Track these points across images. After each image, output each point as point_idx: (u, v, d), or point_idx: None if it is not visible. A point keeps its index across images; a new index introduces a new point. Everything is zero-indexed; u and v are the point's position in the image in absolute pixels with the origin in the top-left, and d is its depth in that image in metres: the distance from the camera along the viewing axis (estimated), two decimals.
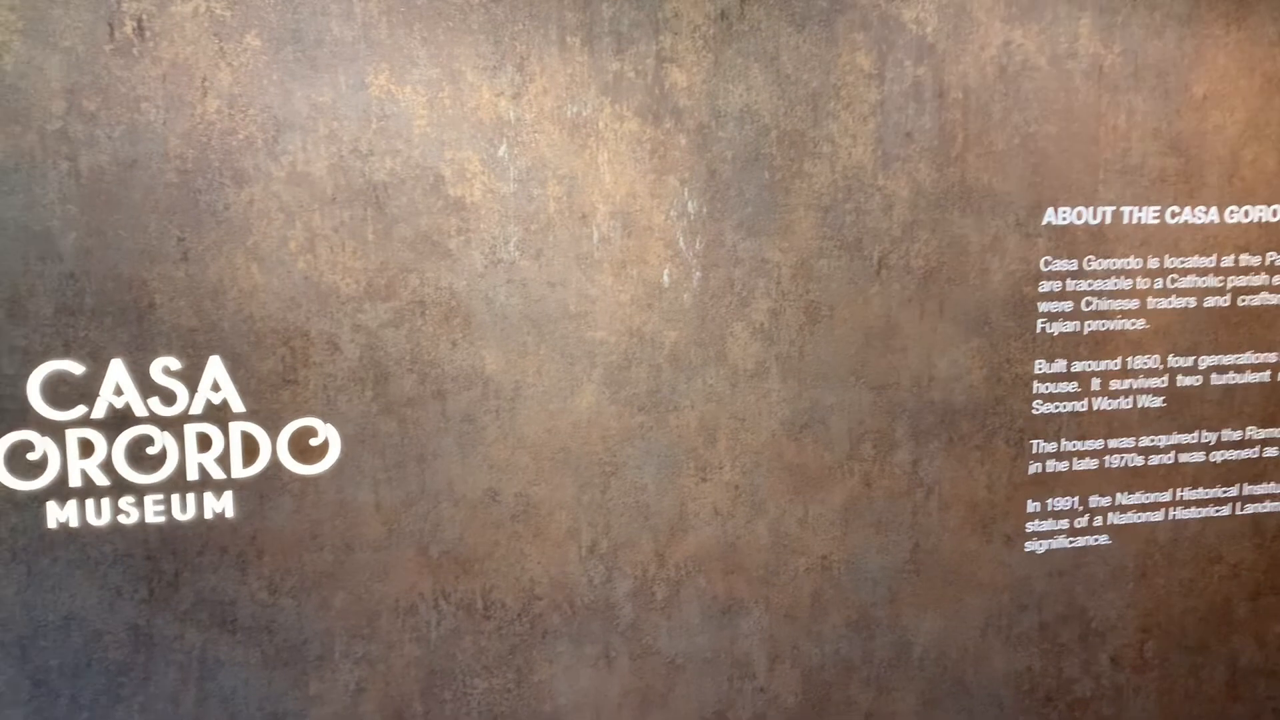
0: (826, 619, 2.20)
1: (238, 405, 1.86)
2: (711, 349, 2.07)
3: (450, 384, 1.94)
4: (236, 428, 1.87)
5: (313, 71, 1.81)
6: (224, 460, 1.87)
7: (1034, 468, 2.25)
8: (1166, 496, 2.35)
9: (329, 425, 1.90)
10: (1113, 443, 2.29)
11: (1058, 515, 2.28)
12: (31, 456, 1.78)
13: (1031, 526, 2.27)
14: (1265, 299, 2.32)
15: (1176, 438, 2.33)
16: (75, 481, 1.80)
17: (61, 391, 1.78)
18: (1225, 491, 2.38)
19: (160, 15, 1.74)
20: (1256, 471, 2.39)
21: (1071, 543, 2.30)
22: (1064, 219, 2.18)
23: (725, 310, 2.07)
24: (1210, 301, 2.29)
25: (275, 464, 1.89)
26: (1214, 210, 2.26)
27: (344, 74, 1.82)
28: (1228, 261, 2.29)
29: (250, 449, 1.88)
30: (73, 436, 1.79)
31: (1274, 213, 2.29)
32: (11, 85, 1.69)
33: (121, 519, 1.84)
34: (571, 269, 1.98)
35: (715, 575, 2.14)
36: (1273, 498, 2.41)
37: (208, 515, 1.88)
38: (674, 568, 2.11)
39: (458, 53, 1.87)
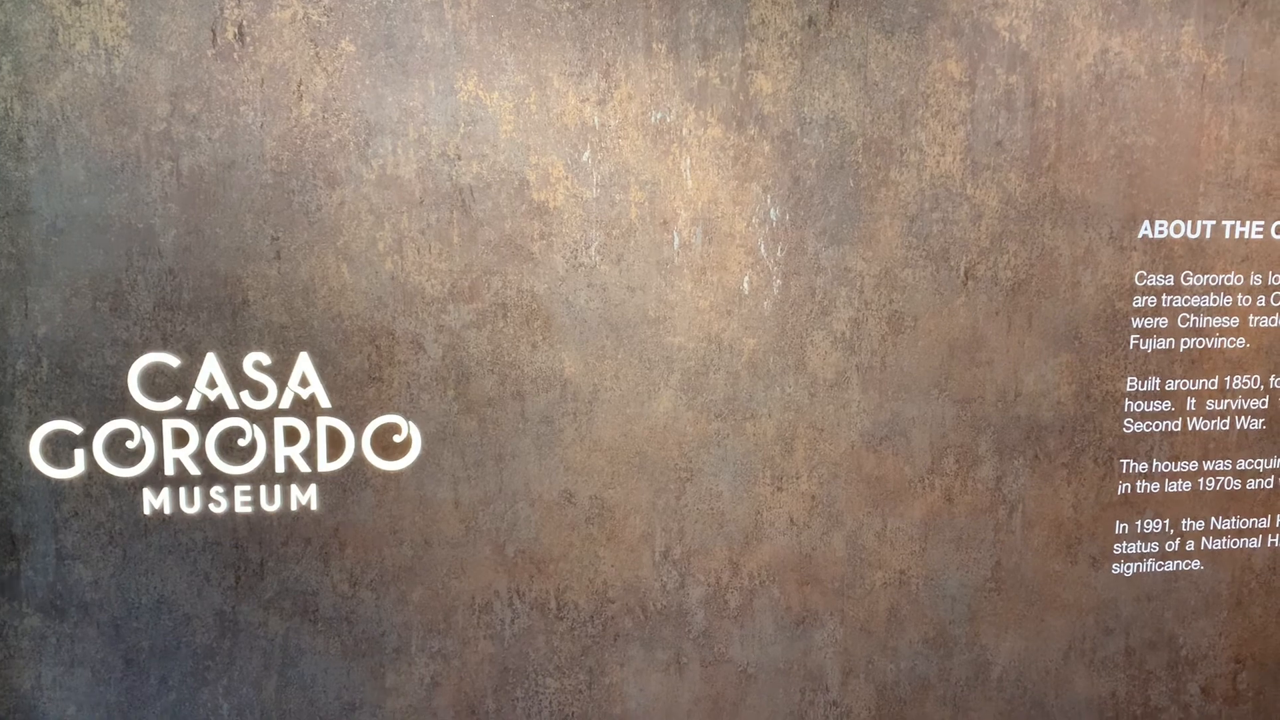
0: (903, 635, 2.17)
1: (324, 401, 1.91)
2: (791, 357, 2.06)
3: (529, 385, 1.96)
4: (323, 423, 1.92)
5: (404, 76, 1.85)
6: (310, 454, 1.93)
7: (1123, 488, 2.18)
8: (1265, 522, 2.25)
9: (411, 423, 1.94)
10: (1208, 465, 2.21)
11: (1147, 538, 2.21)
12: (130, 445, 1.85)
13: (1119, 548, 2.20)
14: None
15: (1277, 461, 2.23)
16: (169, 470, 1.87)
17: (159, 383, 1.85)
18: None
19: (260, 21, 1.79)
20: None
21: (1161, 566, 2.23)
22: (1160, 232, 2.11)
23: (805, 319, 2.05)
24: None
25: (359, 459, 1.93)
26: None
27: (434, 79, 1.86)
28: None
29: (335, 444, 1.93)
30: (168, 427, 1.86)
31: None
32: (120, 88, 1.76)
33: (211, 508, 1.90)
34: (651, 274, 1.98)
35: (789, 586, 2.12)
36: None
37: (293, 507, 1.93)
38: (748, 576, 2.10)
39: (545, 59, 1.89)
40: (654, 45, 1.92)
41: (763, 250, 2.02)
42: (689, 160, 1.97)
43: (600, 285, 1.97)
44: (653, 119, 1.94)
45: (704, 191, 1.98)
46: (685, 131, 1.96)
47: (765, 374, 2.05)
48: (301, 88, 1.83)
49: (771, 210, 2.01)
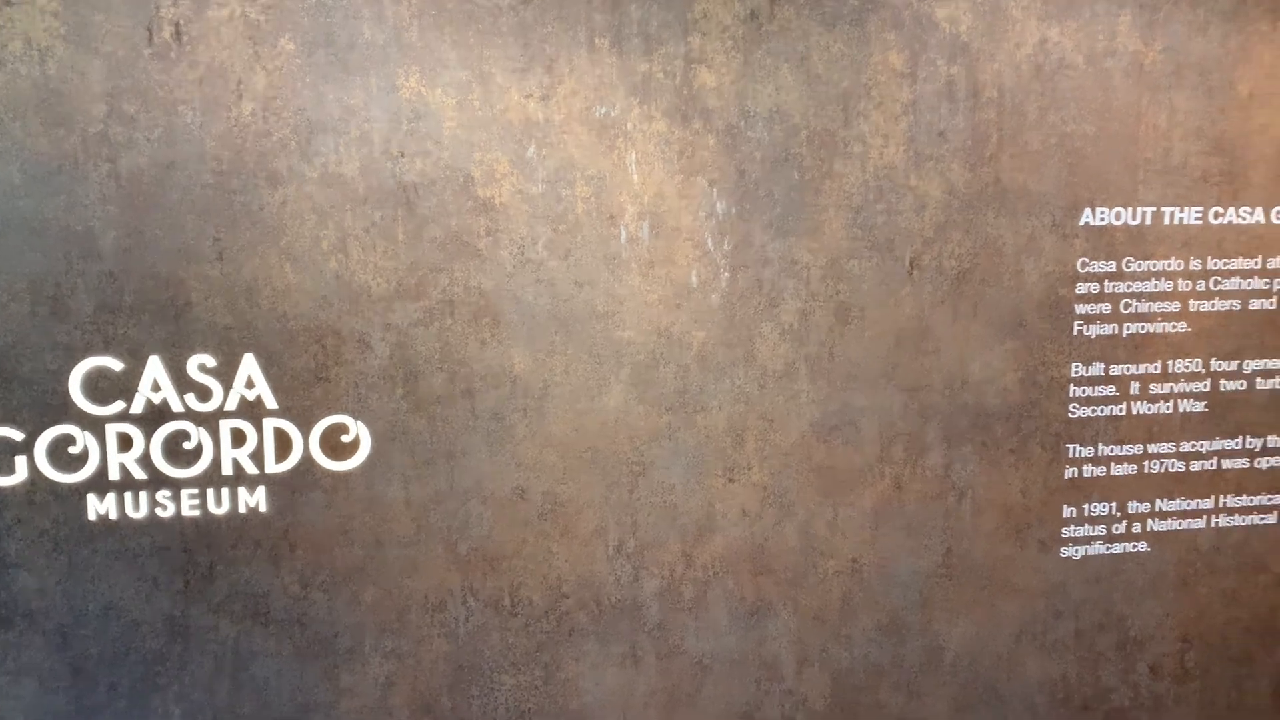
0: (856, 622, 2.19)
1: (271, 402, 1.90)
2: (740, 349, 2.07)
3: (479, 382, 1.96)
4: (269, 424, 1.91)
5: (345, 74, 1.84)
6: (257, 456, 1.91)
7: (1070, 472, 2.21)
8: (1209, 503, 2.29)
9: (359, 422, 1.93)
10: (1152, 448, 2.24)
11: (1094, 521, 2.24)
12: (73, 450, 1.83)
13: (1067, 532, 2.23)
14: None
15: (1220, 443, 2.28)
16: (114, 475, 1.85)
17: (101, 387, 1.83)
18: (1271, 499, 2.32)
19: (197, 20, 1.78)
20: None
21: (1109, 549, 2.26)
22: (1102, 220, 2.14)
23: (754, 311, 2.06)
24: (1255, 304, 2.24)
25: (307, 460, 1.92)
26: (1259, 211, 2.20)
27: (375, 76, 1.85)
28: (1274, 263, 2.23)
29: (283, 445, 1.92)
30: (112, 431, 1.84)
31: None
32: (55, 90, 1.74)
33: (159, 512, 1.88)
34: (599, 269, 1.99)
35: (743, 576, 2.13)
36: None
37: (241, 510, 1.92)
38: (701, 568, 2.11)
39: (487, 55, 1.89)
40: (596, 40, 1.92)
41: (710, 243, 2.03)
42: (634, 155, 1.98)
43: (548, 281, 1.97)
44: (597, 114, 1.95)
45: (650, 186, 1.99)
46: (630, 126, 1.96)
47: (715, 366, 2.06)
48: (241, 86, 1.81)
49: (718, 203, 2.02)
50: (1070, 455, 2.21)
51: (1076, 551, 2.25)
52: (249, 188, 1.84)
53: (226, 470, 1.90)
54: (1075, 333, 2.17)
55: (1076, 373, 2.18)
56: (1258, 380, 2.27)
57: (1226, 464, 2.29)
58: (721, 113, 1.99)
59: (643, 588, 2.10)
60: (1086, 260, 2.15)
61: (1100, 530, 2.25)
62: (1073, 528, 2.23)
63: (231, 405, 1.89)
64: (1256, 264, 2.22)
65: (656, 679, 2.13)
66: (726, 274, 2.04)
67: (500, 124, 1.91)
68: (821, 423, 2.12)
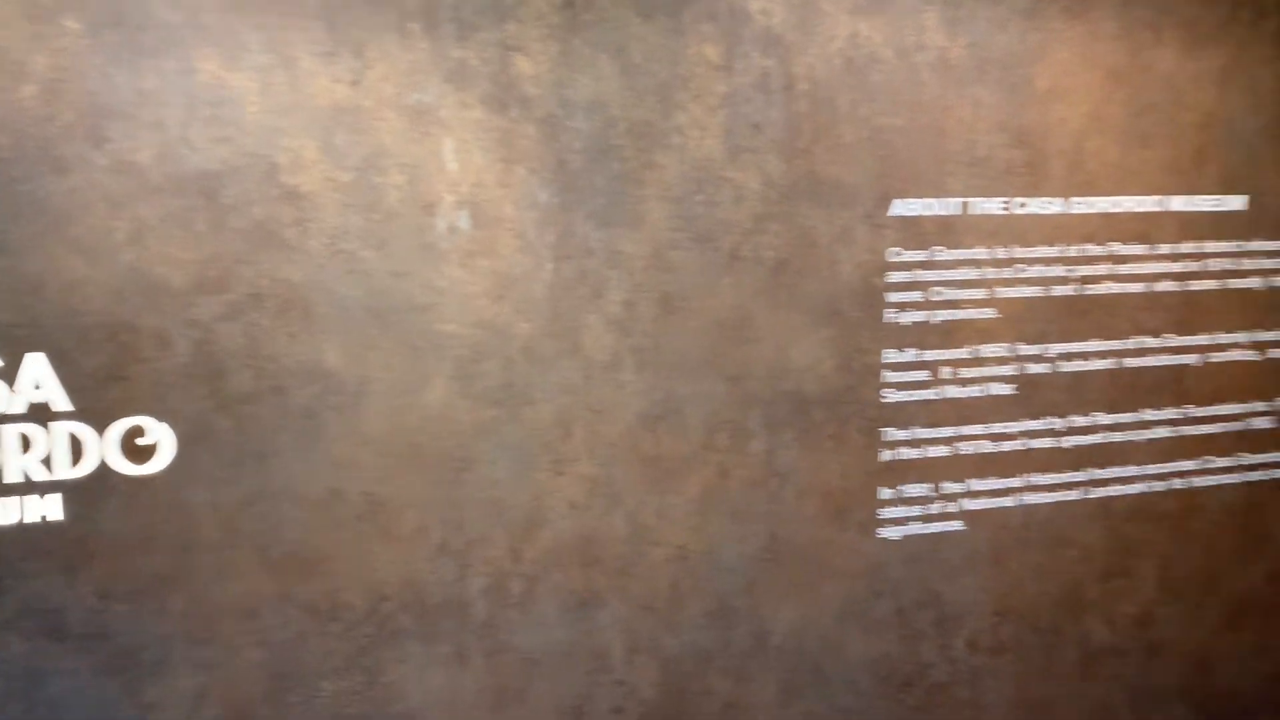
0: (684, 610, 2.21)
1: (62, 404, 1.78)
2: (565, 341, 2.06)
3: (289, 379, 1.89)
4: (62, 427, 1.79)
5: (137, 56, 1.74)
6: (49, 461, 1.79)
7: (886, 455, 2.28)
8: (1018, 482, 2.41)
9: (161, 424, 1.83)
10: (964, 430, 2.34)
11: (911, 502, 2.32)
12: None
13: (885, 514, 2.31)
14: (1109, 288, 2.39)
15: (1026, 424, 2.39)
16: None
17: None
18: (1074, 476, 2.45)
19: None
20: (1104, 456, 2.46)
21: (926, 529, 2.35)
22: (912, 210, 2.21)
23: (578, 302, 2.05)
24: (1057, 291, 2.36)
25: (104, 464, 1.82)
26: (1059, 201, 2.32)
27: (171, 59, 1.76)
28: (1073, 251, 2.35)
29: (77, 449, 1.80)
30: None
31: (1116, 204, 2.36)
32: None
33: None
34: (417, 260, 1.94)
35: (572, 569, 2.12)
36: (1120, 481, 2.48)
37: (32, 519, 1.80)
38: (529, 563, 2.09)
39: (291, 38, 1.81)
40: (408, 25, 1.87)
41: (532, 234, 2.01)
42: (451, 143, 1.94)
43: (363, 272, 1.92)
44: (410, 100, 1.90)
45: (469, 175, 1.95)
46: (446, 113, 1.93)
47: (540, 359, 2.04)
48: (20, 68, 1.69)
49: (539, 193, 2.00)
50: (886, 439, 2.28)
51: (895, 532, 2.32)
52: (32, 176, 1.72)
53: (14, 478, 1.77)
54: (889, 320, 2.24)
55: (890, 359, 2.25)
56: (1060, 363, 2.39)
57: (1034, 444, 2.40)
58: (540, 101, 1.97)
59: (468, 586, 2.06)
60: (898, 250, 2.22)
61: (916, 511, 2.33)
62: (890, 509, 2.31)
63: (18, 408, 1.76)
64: (1057, 252, 2.34)
65: (484, 677, 2.10)
66: (550, 264, 2.03)
67: (307, 109, 1.84)
68: (648, 412, 2.13)
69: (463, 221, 1.96)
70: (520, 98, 1.96)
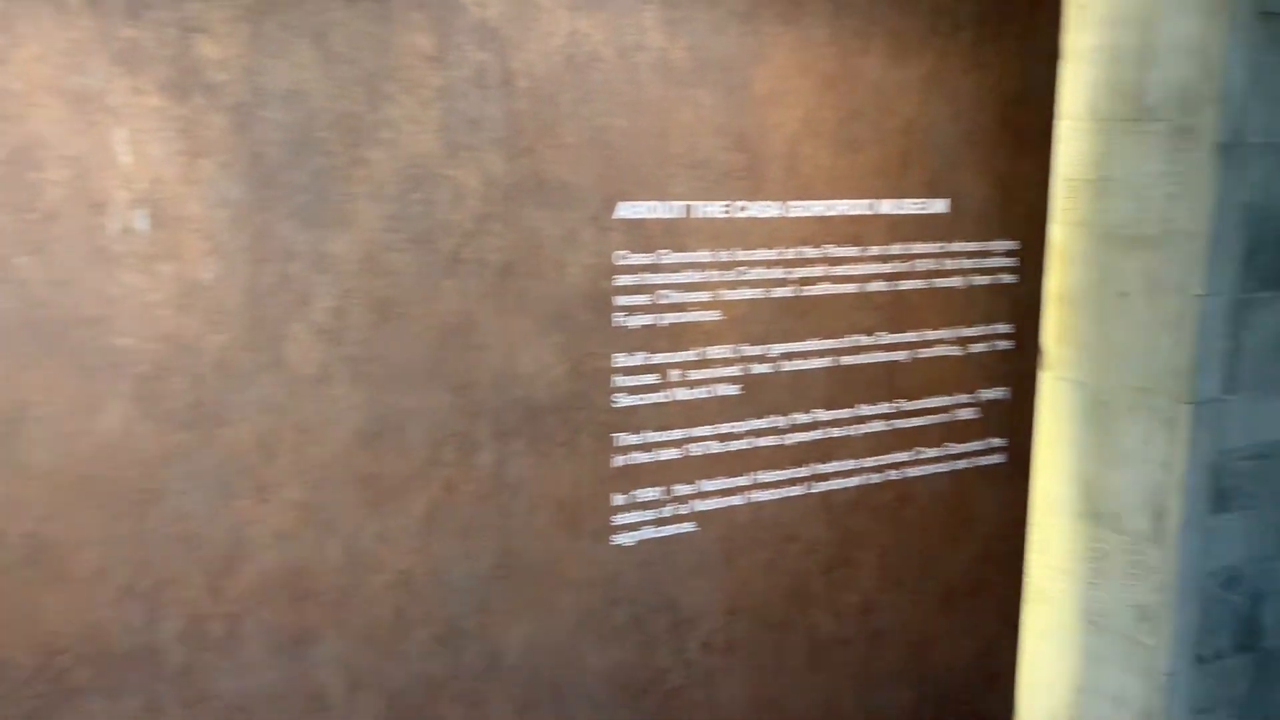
0: (410, 638, 2.06)
1: None
2: (266, 354, 1.87)
3: None
4: None
5: None
6: None
7: (619, 461, 2.24)
8: (745, 480, 2.43)
9: None
10: (694, 431, 2.34)
11: (644, 507, 2.29)
12: None
13: (619, 520, 2.26)
14: (825, 289, 2.46)
15: (752, 423, 2.42)
16: None
17: None
18: (798, 472, 2.50)
19: None
20: (824, 451, 2.53)
21: (659, 533, 2.32)
22: (637, 213, 2.18)
23: (281, 310, 1.87)
24: (777, 292, 2.40)
25: None
26: (777, 205, 2.36)
27: None
28: (791, 254, 2.40)
29: None
30: None
31: (830, 207, 2.43)
32: None
33: None
34: (84, 266, 1.70)
35: (281, 604, 1.93)
36: (840, 475, 2.56)
37: None
38: (231, 601, 1.89)
39: None
40: None
41: (224, 235, 1.81)
42: (124, 133, 1.71)
43: (17, 281, 1.65)
44: (71, 84, 1.65)
45: (146, 169, 1.73)
46: (115, 100, 1.69)
47: (237, 374, 1.84)
48: None
49: (231, 190, 1.80)
50: (618, 444, 2.23)
51: (629, 538, 2.29)
52: None
53: None
54: (618, 324, 2.19)
55: (620, 363, 2.21)
56: (782, 363, 2.43)
57: (759, 442, 2.44)
58: (229, 89, 1.78)
59: (160, 630, 1.83)
60: (624, 253, 2.18)
61: (649, 515, 2.30)
62: (623, 515, 2.27)
63: None
64: (776, 255, 2.38)
65: None
66: (246, 269, 1.83)
67: None
68: (364, 429, 1.97)
69: (140, 222, 1.73)
70: (205, 84, 1.76)
